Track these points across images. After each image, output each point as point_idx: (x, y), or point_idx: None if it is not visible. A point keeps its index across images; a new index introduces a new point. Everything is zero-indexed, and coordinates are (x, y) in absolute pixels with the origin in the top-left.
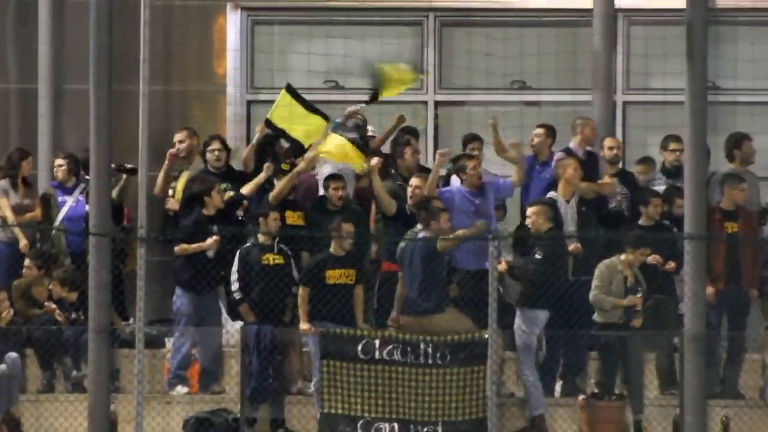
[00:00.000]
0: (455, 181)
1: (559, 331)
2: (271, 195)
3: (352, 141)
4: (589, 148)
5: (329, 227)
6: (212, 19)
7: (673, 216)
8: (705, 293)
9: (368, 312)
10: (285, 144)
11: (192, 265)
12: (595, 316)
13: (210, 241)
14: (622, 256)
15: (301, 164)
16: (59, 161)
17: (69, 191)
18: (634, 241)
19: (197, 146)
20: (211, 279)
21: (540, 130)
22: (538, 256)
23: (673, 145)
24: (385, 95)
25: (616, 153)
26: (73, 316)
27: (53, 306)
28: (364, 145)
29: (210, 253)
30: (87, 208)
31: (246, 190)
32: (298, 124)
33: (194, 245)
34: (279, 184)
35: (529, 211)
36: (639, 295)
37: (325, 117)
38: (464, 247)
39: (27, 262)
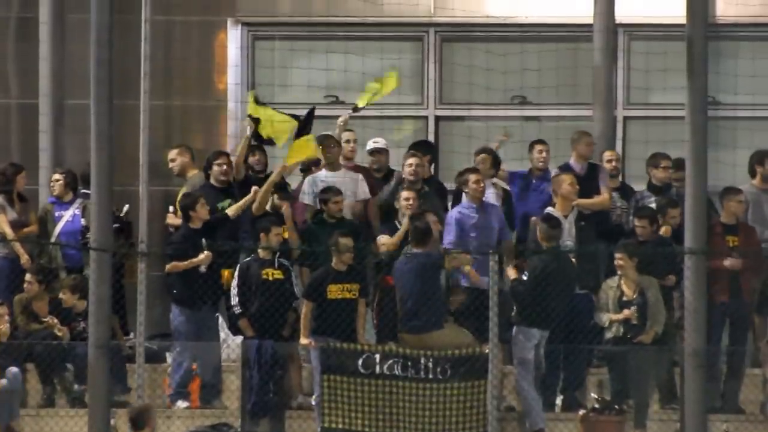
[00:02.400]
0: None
1: (558, 345)
2: (253, 207)
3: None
4: (591, 161)
5: (328, 242)
6: (213, 34)
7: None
8: (705, 308)
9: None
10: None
11: (185, 282)
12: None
13: (201, 256)
14: (618, 270)
15: (274, 175)
16: (56, 176)
17: (66, 206)
18: (623, 248)
19: (191, 162)
20: (205, 294)
21: (543, 146)
22: (524, 277)
23: (664, 163)
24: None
25: (615, 165)
26: (82, 325)
27: (55, 321)
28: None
29: (202, 268)
30: (83, 222)
31: (231, 212)
32: (267, 123)
33: (186, 261)
34: (258, 197)
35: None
36: (633, 308)
37: (294, 117)
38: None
39: (28, 277)
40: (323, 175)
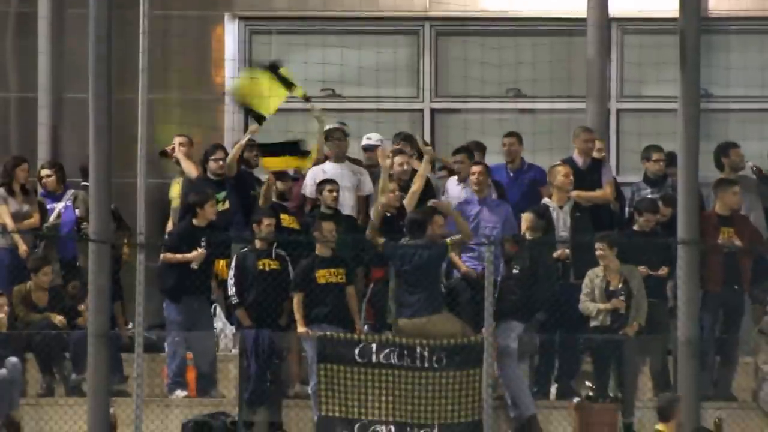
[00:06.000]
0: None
1: (553, 335)
2: (260, 202)
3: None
4: (596, 156)
5: (311, 229)
6: (210, 28)
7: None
8: (699, 297)
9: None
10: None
11: (174, 274)
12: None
13: (195, 253)
14: (600, 260)
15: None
16: (46, 171)
17: (58, 198)
18: (603, 238)
19: (191, 154)
20: (192, 286)
21: (511, 139)
22: (515, 271)
23: (656, 155)
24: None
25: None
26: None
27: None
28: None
29: (194, 265)
30: (77, 213)
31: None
32: (259, 95)
33: (179, 255)
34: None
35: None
36: (622, 298)
37: (288, 85)
38: (465, 254)
39: (46, 269)
40: (327, 168)
